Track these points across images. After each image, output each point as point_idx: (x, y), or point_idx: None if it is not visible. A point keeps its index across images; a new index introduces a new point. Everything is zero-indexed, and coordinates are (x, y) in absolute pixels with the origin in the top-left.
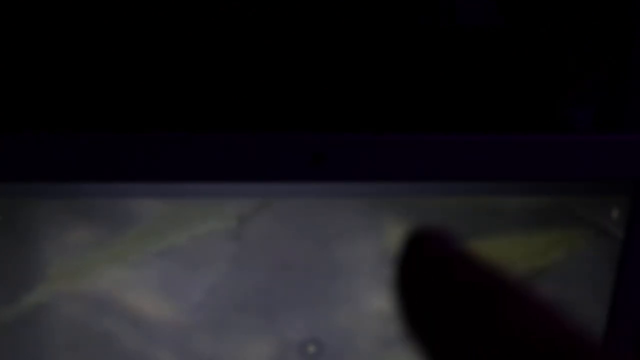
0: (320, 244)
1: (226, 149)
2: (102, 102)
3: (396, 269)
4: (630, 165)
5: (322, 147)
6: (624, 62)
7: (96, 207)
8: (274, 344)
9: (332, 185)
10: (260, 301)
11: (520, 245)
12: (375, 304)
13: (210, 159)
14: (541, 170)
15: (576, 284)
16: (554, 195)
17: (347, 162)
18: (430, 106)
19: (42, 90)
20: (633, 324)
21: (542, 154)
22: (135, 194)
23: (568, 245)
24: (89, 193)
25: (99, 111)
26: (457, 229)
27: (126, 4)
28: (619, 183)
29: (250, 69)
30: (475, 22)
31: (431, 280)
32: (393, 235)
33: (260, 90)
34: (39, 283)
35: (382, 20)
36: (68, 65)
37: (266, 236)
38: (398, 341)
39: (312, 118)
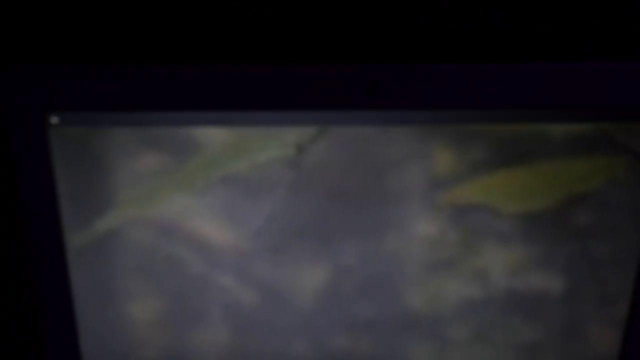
0: (373, 171)
1: (286, 79)
2: (167, 34)
3: None
4: None
5: (376, 76)
6: None
7: (163, 135)
8: (328, 268)
9: (385, 113)
10: (316, 227)
11: (563, 171)
12: (423, 229)
13: (270, 89)
14: (582, 96)
15: (615, 210)
16: (595, 121)
17: (399, 90)
18: (476, 37)
19: (111, 22)
20: None
21: (582, 80)
22: (199, 123)
23: (608, 172)
24: (157, 122)
25: (165, 43)
26: (502, 155)
27: None
28: None
29: (310, 4)
30: None
31: None
32: (441, 162)
33: (319, 23)
34: (109, 209)
35: None
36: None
37: (322, 164)
38: (444, 266)
39: (367, 49)
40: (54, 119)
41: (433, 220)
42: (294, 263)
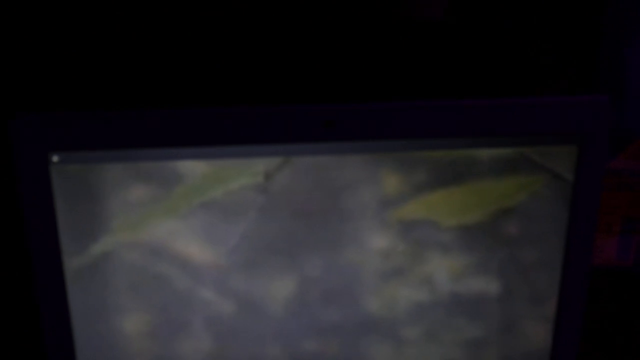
0: (332, 194)
1: (255, 117)
2: (153, 83)
3: None
4: (577, 121)
5: (332, 114)
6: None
7: (150, 169)
8: (296, 279)
9: (340, 144)
10: (284, 243)
11: (492, 189)
12: (376, 242)
13: (241, 126)
14: (507, 126)
15: (538, 220)
16: (518, 146)
17: (352, 125)
18: (417, 78)
19: (102, 74)
20: (586, 253)
21: (507, 113)
22: (181, 157)
23: (530, 188)
24: (145, 157)
25: (151, 90)
26: (440, 177)
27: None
28: (569, 136)
29: (273, 54)
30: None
31: None
32: (390, 184)
33: (284, 68)
34: (104, 234)
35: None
36: (128, 53)
37: (288, 189)
38: (395, 274)
39: (324, 89)
40: (55, 158)
41: (384, 234)
42: (266, 276)
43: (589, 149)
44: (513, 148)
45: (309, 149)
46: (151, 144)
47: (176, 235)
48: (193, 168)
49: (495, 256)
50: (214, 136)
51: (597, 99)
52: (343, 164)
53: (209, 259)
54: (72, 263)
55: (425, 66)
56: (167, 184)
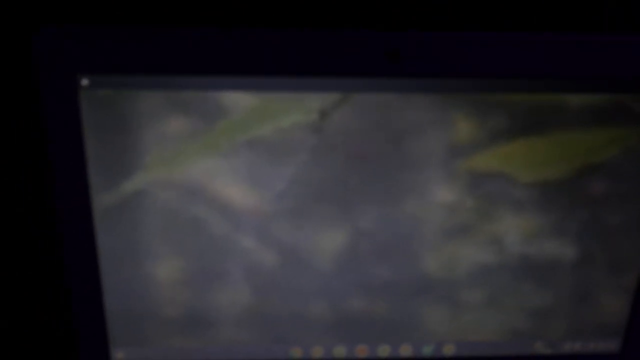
0: (393, 138)
1: (310, 45)
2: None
3: None
4: None
5: (397, 44)
6: None
7: (190, 99)
8: (347, 232)
9: (406, 80)
10: (336, 191)
11: (579, 141)
12: (441, 195)
13: (295, 54)
14: (599, 67)
15: (627, 179)
16: (611, 92)
17: (421, 59)
18: (497, 6)
19: None
20: None
21: (599, 51)
22: (226, 87)
23: (623, 142)
24: (185, 86)
25: (195, 7)
26: (519, 124)
27: None
28: None
29: None
30: None
31: None
32: (461, 129)
33: None
34: (136, 170)
35: None
36: None
37: (344, 129)
38: (460, 231)
39: (389, 16)
40: (84, 81)
41: (451, 186)
42: (314, 226)
43: None
44: (607, 94)
45: (370, 84)
46: (193, 71)
47: (216, 175)
48: (239, 101)
49: (575, 217)
50: (264, 65)
51: None
52: (408, 104)
53: (252, 203)
54: (101, 201)
55: None
56: (209, 117)
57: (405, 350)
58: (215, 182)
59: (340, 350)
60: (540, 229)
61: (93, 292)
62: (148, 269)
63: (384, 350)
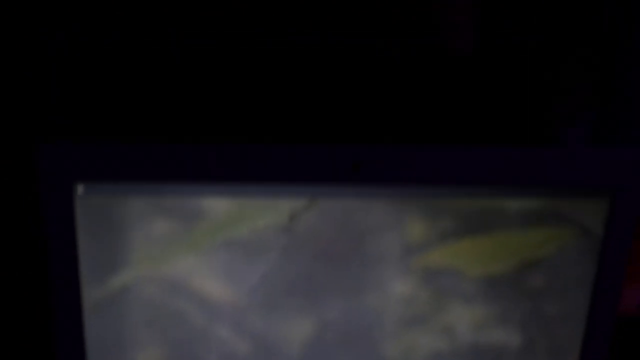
0: (356, 238)
1: (282, 157)
2: (181, 116)
3: None
4: (609, 175)
5: (360, 156)
6: (611, 77)
7: (174, 204)
8: (314, 322)
9: (367, 188)
10: (305, 285)
11: (519, 240)
12: (398, 289)
13: (268, 165)
14: (536, 177)
15: (564, 273)
16: (546, 198)
17: (380, 169)
18: (446, 122)
19: (130, 104)
20: (610, 308)
21: (538, 164)
22: (206, 194)
23: (558, 241)
24: (169, 192)
25: (178, 125)
26: (467, 225)
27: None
28: (600, 190)
29: (306, 92)
30: (466, 46)
31: None
32: (415, 231)
33: (314, 107)
34: (124, 267)
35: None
36: (156, 86)
37: (312, 230)
38: (416, 321)
39: (352, 131)
40: (80, 189)
41: (407, 281)
42: (284, 317)
43: (620, 203)
44: (542, 199)
45: (335, 191)
46: (176, 179)
47: (196, 271)
48: (217, 205)
49: (518, 308)
50: (239, 174)
51: (632, 152)
52: (369, 208)
53: (228, 297)
54: (91, 295)
55: (456, 108)
56: (190, 219)
57: None
58: (195, 278)
59: None
60: (488, 318)
61: None
62: (132, 358)
63: None
